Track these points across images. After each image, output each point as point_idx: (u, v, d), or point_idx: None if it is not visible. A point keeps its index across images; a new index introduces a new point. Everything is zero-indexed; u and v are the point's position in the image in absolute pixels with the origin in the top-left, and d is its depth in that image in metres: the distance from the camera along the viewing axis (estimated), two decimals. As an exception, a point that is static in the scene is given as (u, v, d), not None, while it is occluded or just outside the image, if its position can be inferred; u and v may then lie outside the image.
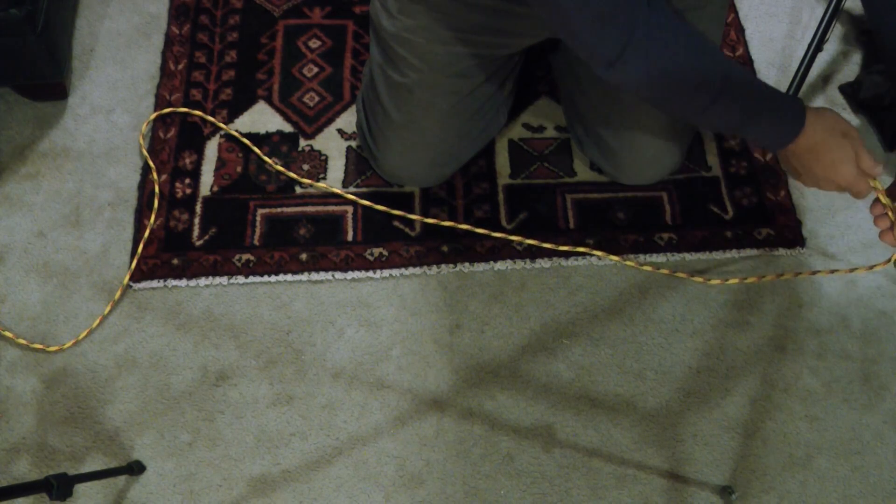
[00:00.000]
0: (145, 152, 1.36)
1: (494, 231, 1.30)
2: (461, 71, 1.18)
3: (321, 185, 1.34)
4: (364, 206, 1.32)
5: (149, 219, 1.30)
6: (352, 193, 1.33)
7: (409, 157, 1.27)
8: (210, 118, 1.39)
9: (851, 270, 1.06)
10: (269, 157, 1.36)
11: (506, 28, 1.14)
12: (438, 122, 1.22)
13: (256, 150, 1.36)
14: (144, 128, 1.38)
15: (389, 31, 1.16)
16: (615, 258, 1.23)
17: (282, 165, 1.36)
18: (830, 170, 0.94)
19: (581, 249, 1.28)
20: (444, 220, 1.31)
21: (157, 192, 1.32)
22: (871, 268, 1.00)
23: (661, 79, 0.89)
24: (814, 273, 1.05)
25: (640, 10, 0.84)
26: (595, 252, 1.27)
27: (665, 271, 1.23)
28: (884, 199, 0.93)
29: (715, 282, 1.21)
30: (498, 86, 1.25)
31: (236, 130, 1.39)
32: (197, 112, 1.40)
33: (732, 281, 1.11)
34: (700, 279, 1.09)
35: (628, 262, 1.25)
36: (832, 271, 1.06)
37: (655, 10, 0.85)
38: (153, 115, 1.39)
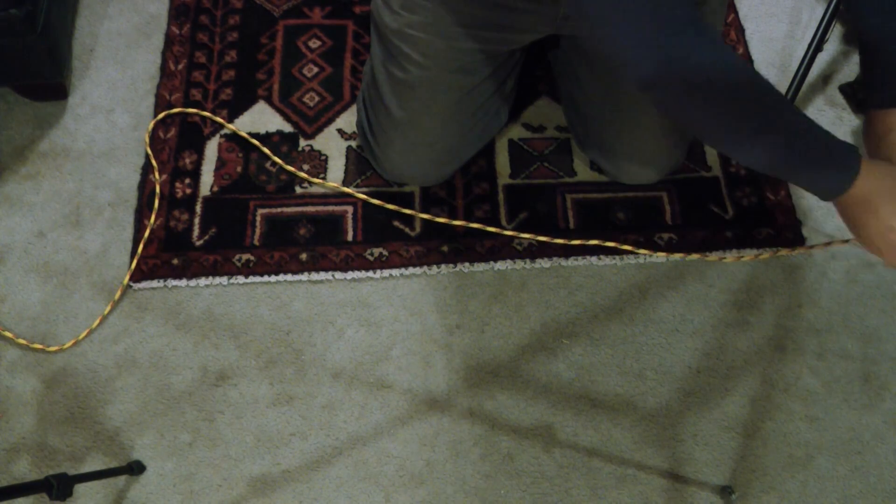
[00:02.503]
0: (149, 150, 1.35)
1: (503, 230, 1.30)
2: (464, 67, 1.18)
3: (331, 183, 1.34)
4: (364, 207, 1.32)
5: (149, 219, 1.30)
6: (352, 195, 1.33)
7: (410, 156, 1.27)
8: (223, 121, 1.39)
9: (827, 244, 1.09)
10: (269, 158, 1.36)
11: (509, 23, 1.14)
12: (440, 119, 1.22)
13: (267, 151, 1.36)
14: (151, 125, 1.38)
15: (392, 27, 1.16)
16: (659, 253, 1.27)
17: (281, 166, 1.36)
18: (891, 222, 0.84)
19: (626, 247, 1.30)
20: (452, 220, 1.31)
21: (158, 192, 1.32)
22: (846, 241, 0.99)
23: (704, 101, 0.84)
24: (827, 244, 1.08)
25: (688, 28, 0.80)
26: (640, 251, 1.29)
27: (696, 255, 1.24)
28: None
29: (729, 259, 1.24)
30: (499, 83, 1.25)
31: (242, 131, 1.39)
32: (205, 113, 1.40)
33: (747, 257, 1.14)
34: (714, 257, 1.12)
35: (675, 255, 1.27)
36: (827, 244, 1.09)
37: (702, 29, 0.81)
38: (162, 115, 1.39)
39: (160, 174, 1.34)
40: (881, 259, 0.88)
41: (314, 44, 1.49)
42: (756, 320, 1.27)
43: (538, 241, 1.30)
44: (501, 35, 1.16)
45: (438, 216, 1.32)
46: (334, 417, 1.18)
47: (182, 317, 1.24)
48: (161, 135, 1.38)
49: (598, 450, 1.17)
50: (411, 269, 1.28)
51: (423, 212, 1.32)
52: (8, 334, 1.21)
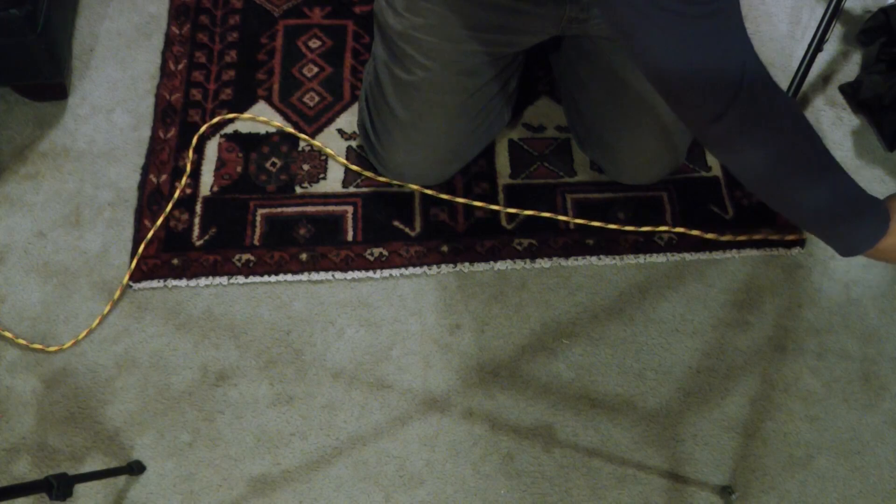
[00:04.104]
0: (191, 153, 1.35)
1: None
2: (469, 69, 1.18)
3: (347, 163, 1.34)
4: (364, 207, 1.32)
5: (149, 219, 1.30)
6: (352, 195, 1.33)
7: (415, 156, 1.27)
8: (282, 125, 1.39)
9: None
10: (269, 158, 1.36)
11: (514, 26, 1.14)
12: (445, 120, 1.22)
13: (301, 134, 1.37)
14: (203, 129, 1.37)
15: (396, 29, 1.16)
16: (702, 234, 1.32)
17: (281, 166, 1.36)
18: None
19: (662, 229, 1.33)
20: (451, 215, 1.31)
21: (176, 196, 1.31)
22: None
23: (772, 133, 0.84)
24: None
25: (743, 84, 0.80)
26: (676, 230, 1.32)
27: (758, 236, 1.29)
28: None
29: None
30: (503, 84, 1.25)
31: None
32: (263, 119, 1.39)
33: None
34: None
35: (724, 237, 1.31)
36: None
37: (758, 81, 0.81)
38: (217, 119, 1.38)
39: (160, 174, 1.34)
40: None
41: (314, 44, 1.49)
42: (756, 320, 1.27)
43: (588, 229, 1.31)
44: (506, 37, 1.16)
45: (439, 216, 1.32)
46: (334, 417, 1.18)
47: (182, 317, 1.24)
48: (161, 135, 1.38)
49: (598, 450, 1.17)
50: (411, 269, 1.28)
51: (423, 211, 1.32)
52: (8, 334, 1.21)
